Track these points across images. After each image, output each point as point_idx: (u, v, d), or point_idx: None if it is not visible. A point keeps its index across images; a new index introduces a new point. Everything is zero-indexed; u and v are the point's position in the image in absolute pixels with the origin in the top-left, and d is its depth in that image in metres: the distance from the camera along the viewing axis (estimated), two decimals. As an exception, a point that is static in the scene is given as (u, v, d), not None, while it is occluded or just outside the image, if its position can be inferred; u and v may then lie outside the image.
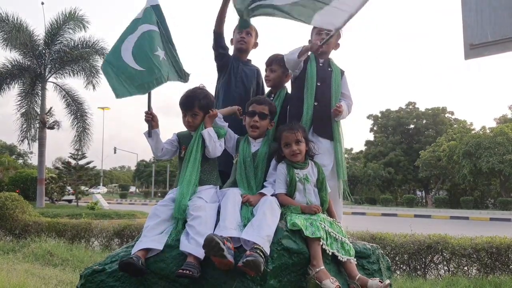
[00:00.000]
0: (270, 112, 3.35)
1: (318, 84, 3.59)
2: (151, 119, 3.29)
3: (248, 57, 4.15)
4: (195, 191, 3.04)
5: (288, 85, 3.89)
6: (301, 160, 3.15)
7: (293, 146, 3.10)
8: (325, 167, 3.39)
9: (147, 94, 3.40)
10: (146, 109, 3.35)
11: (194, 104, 3.23)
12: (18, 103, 23.31)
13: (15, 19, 22.24)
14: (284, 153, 3.16)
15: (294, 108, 3.63)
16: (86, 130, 24.63)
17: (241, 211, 2.90)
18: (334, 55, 3.83)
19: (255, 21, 4.02)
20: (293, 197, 3.07)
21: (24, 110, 23.34)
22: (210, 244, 2.46)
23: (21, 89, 23.48)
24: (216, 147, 3.17)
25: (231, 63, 3.97)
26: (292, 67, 3.61)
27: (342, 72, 3.75)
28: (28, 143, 23.92)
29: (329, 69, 3.68)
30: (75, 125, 24.34)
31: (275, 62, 3.76)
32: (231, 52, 4.08)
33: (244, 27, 3.90)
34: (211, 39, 3.99)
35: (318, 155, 3.34)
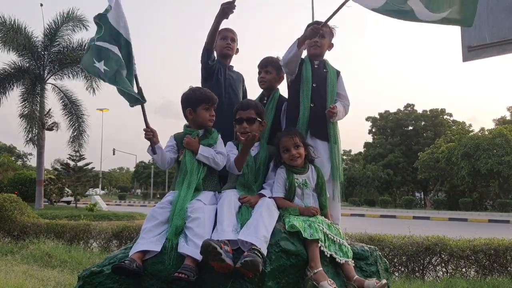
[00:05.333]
0: (257, 114, 3.32)
1: (314, 85, 3.59)
2: (151, 135, 3.24)
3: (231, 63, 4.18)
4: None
5: (280, 87, 3.93)
6: (300, 164, 3.15)
7: (292, 150, 3.11)
8: (325, 169, 3.40)
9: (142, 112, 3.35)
10: (145, 127, 3.27)
11: (216, 100, 3.33)
12: (21, 104, 23.25)
13: (12, 20, 22.27)
14: (283, 159, 3.16)
15: (291, 111, 3.63)
16: (82, 133, 24.59)
17: (239, 213, 2.91)
18: (330, 56, 3.85)
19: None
20: (292, 202, 3.07)
21: (27, 111, 23.27)
22: (207, 249, 2.46)
23: (23, 91, 23.43)
24: (217, 162, 3.18)
25: (217, 69, 3.98)
26: (294, 64, 3.56)
27: (337, 73, 3.73)
28: (34, 145, 23.81)
29: (325, 70, 3.68)
30: (71, 127, 24.30)
31: (270, 64, 3.77)
32: None
33: None
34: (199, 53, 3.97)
35: (318, 158, 3.35)
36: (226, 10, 3.59)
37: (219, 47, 4.05)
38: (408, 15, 3.23)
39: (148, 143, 3.24)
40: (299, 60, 3.54)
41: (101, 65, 3.15)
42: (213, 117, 3.30)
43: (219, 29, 3.83)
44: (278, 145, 3.19)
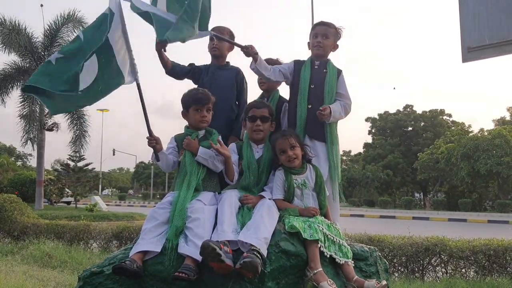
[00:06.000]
0: (270, 114, 3.37)
1: (312, 86, 3.58)
2: (155, 143, 3.24)
3: (227, 60, 4.17)
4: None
5: (280, 88, 3.95)
6: (298, 165, 3.15)
7: (289, 151, 3.10)
8: (323, 170, 3.39)
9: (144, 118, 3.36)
10: (148, 135, 3.27)
11: (210, 99, 3.30)
12: (20, 105, 23.28)
13: (13, 21, 22.31)
14: (280, 161, 3.16)
15: (291, 113, 3.64)
16: (83, 133, 24.58)
17: (239, 214, 2.92)
18: (334, 57, 3.82)
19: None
20: (291, 203, 3.07)
21: (26, 112, 23.27)
22: (206, 250, 2.47)
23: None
24: (216, 165, 3.19)
25: (204, 71, 4.02)
26: (265, 78, 3.62)
27: (339, 72, 3.69)
28: (32, 145, 23.85)
29: (324, 70, 3.64)
30: (72, 128, 24.28)
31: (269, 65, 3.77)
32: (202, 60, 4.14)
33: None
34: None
35: (316, 159, 3.36)
36: (158, 46, 3.62)
37: (208, 49, 4.11)
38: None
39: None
40: (262, 75, 3.60)
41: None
42: (204, 118, 3.29)
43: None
44: (274, 147, 3.19)
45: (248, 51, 3.43)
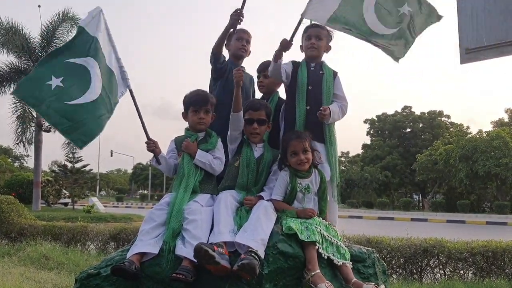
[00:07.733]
0: (267, 115, 3.35)
1: (310, 88, 3.58)
2: (154, 147, 3.24)
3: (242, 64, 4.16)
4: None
5: (280, 90, 3.93)
6: (306, 169, 3.13)
7: (301, 155, 3.06)
8: (324, 171, 3.38)
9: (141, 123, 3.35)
10: (146, 140, 3.29)
11: (208, 100, 3.28)
12: (13, 106, 23.29)
13: (10, 21, 22.34)
14: (289, 162, 3.12)
15: (289, 114, 3.63)
16: None
17: (237, 215, 2.90)
18: (329, 58, 3.83)
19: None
20: (291, 205, 3.04)
21: (19, 113, 23.27)
22: (199, 253, 2.46)
23: (17, 92, 23.44)
24: (214, 168, 3.19)
25: (228, 69, 3.99)
26: (277, 75, 3.57)
27: (334, 74, 3.71)
28: (24, 146, 23.87)
29: (321, 72, 3.66)
30: None
31: (268, 68, 3.77)
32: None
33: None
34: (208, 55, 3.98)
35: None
36: (233, 21, 3.67)
37: (233, 47, 4.06)
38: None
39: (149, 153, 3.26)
40: (279, 71, 3.52)
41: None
42: (202, 120, 3.28)
43: (236, 29, 3.89)
44: (285, 147, 3.14)
45: (288, 45, 3.41)
